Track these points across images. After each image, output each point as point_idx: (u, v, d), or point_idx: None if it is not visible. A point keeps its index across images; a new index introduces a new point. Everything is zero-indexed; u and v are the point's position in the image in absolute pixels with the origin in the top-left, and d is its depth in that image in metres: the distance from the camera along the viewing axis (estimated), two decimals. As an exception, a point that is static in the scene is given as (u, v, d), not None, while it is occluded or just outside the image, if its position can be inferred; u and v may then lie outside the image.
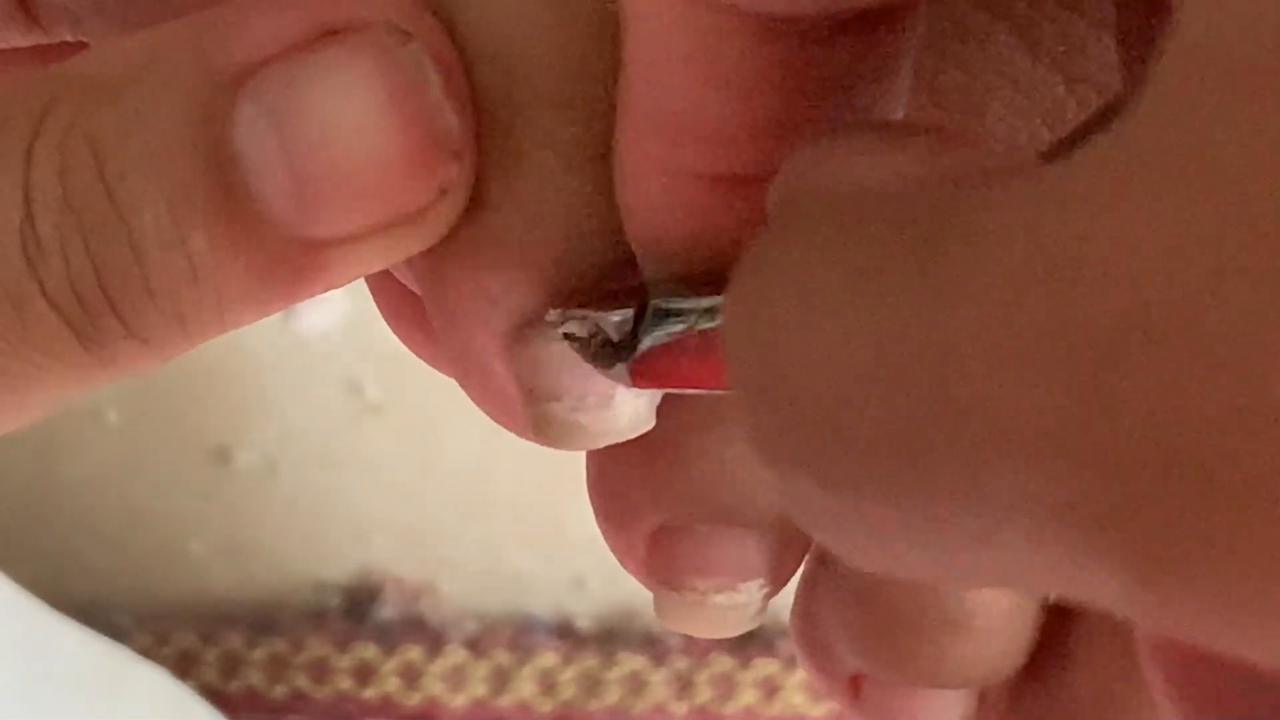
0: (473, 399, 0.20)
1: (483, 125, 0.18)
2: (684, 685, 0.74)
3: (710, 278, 0.17)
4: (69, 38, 0.22)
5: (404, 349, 0.23)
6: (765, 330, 0.13)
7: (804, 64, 0.16)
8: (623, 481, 0.20)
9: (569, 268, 0.18)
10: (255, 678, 0.74)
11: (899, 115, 0.17)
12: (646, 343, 0.17)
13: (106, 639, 0.59)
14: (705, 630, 0.20)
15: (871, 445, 0.12)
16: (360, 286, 0.21)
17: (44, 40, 0.22)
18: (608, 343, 0.18)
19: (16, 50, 0.22)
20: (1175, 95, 0.10)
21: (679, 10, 0.15)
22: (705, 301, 0.17)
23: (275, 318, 0.71)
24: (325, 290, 0.18)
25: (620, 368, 0.18)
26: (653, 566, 0.20)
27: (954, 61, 0.19)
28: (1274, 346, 0.09)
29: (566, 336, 0.18)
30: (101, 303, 0.17)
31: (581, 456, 0.21)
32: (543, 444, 0.19)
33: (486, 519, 0.75)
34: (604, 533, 0.21)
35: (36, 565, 0.69)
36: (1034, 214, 0.11)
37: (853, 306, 0.12)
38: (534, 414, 0.19)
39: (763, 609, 0.20)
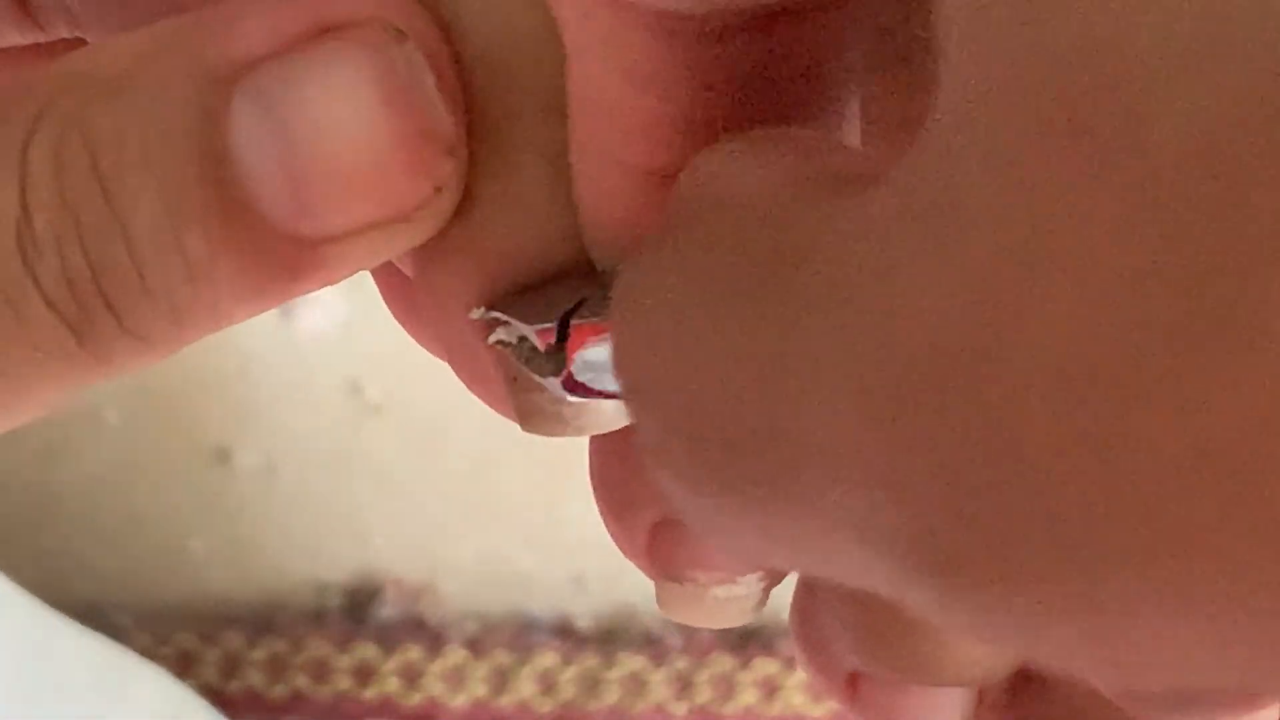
0: (466, 386, 0.20)
1: (472, 124, 0.18)
2: (684, 685, 0.74)
3: None
4: (67, 35, 0.22)
5: (404, 349, 0.23)
6: (641, 333, 0.14)
7: (712, 62, 0.16)
8: (623, 475, 0.20)
9: (549, 266, 0.18)
10: (255, 678, 0.74)
11: (845, 111, 0.17)
12: (575, 357, 0.18)
13: (107, 639, 0.59)
14: (705, 620, 0.21)
15: (719, 457, 0.12)
16: (360, 287, 0.21)
17: (42, 38, 0.22)
18: (535, 352, 0.18)
19: (16, 49, 0.22)
20: (937, 147, 0.10)
21: (590, 10, 0.15)
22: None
23: (274, 318, 0.71)
24: (323, 286, 0.18)
25: (552, 379, 0.18)
26: (653, 558, 0.20)
27: (894, 47, 0.19)
28: (1033, 403, 0.09)
29: (499, 341, 0.18)
30: (98, 301, 0.17)
31: (581, 457, 0.21)
32: (530, 432, 0.19)
33: (486, 519, 0.75)
34: (606, 524, 0.21)
35: (36, 565, 0.69)
36: (855, 249, 0.11)
37: (708, 318, 0.13)
38: (518, 403, 0.19)
39: (763, 600, 0.21)
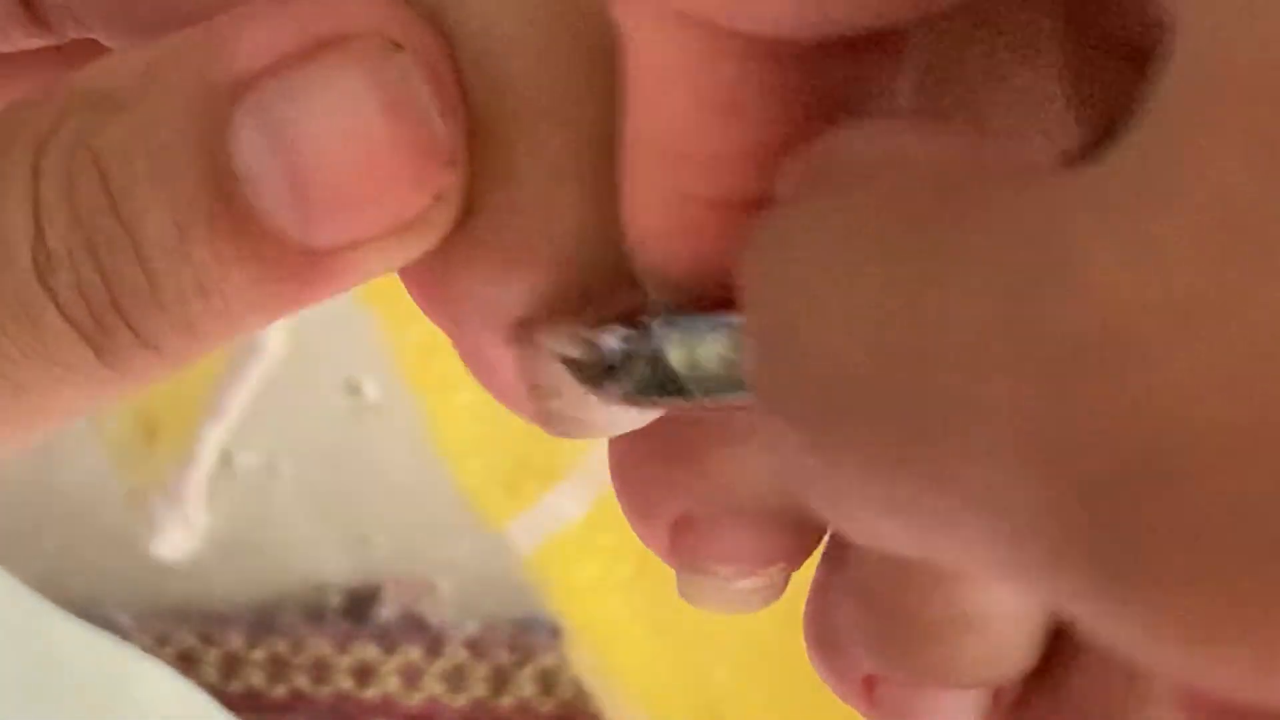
0: (487, 389, 0.20)
1: (478, 133, 0.18)
2: (684, 685, 0.74)
3: (714, 302, 0.17)
4: (75, 36, 0.22)
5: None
6: (780, 284, 0.13)
7: (796, 86, 0.16)
8: (644, 474, 0.20)
9: (560, 274, 0.18)
10: (255, 678, 0.74)
11: None
12: (641, 374, 0.18)
13: (111, 636, 0.59)
14: (730, 609, 0.21)
15: (858, 415, 0.12)
16: (360, 286, 0.21)
17: (51, 41, 0.22)
18: (601, 365, 0.18)
19: (25, 54, 0.22)
20: (1173, 117, 0.10)
21: (670, 31, 0.15)
22: (710, 333, 0.17)
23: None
24: (332, 295, 0.18)
25: (613, 390, 0.18)
26: (676, 553, 0.20)
27: (956, 78, 0.19)
28: (1243, 374, 0.09)
29: (563, 359, 0.18)
30: (113, 315, 0.18)
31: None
32: (552, 435, 0.19)
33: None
34: (629, 520, 0.21)
35: (37, 565, 0.69)
36: (1032, 219, 0.11)
37: (859, 275, 0.12)
38: (539, 409, 0.19)
39: (783, 587, 0.21)
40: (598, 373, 0.18)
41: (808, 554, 0.21)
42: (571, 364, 0.18)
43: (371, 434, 0.73)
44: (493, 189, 0.18)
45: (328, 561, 0.75)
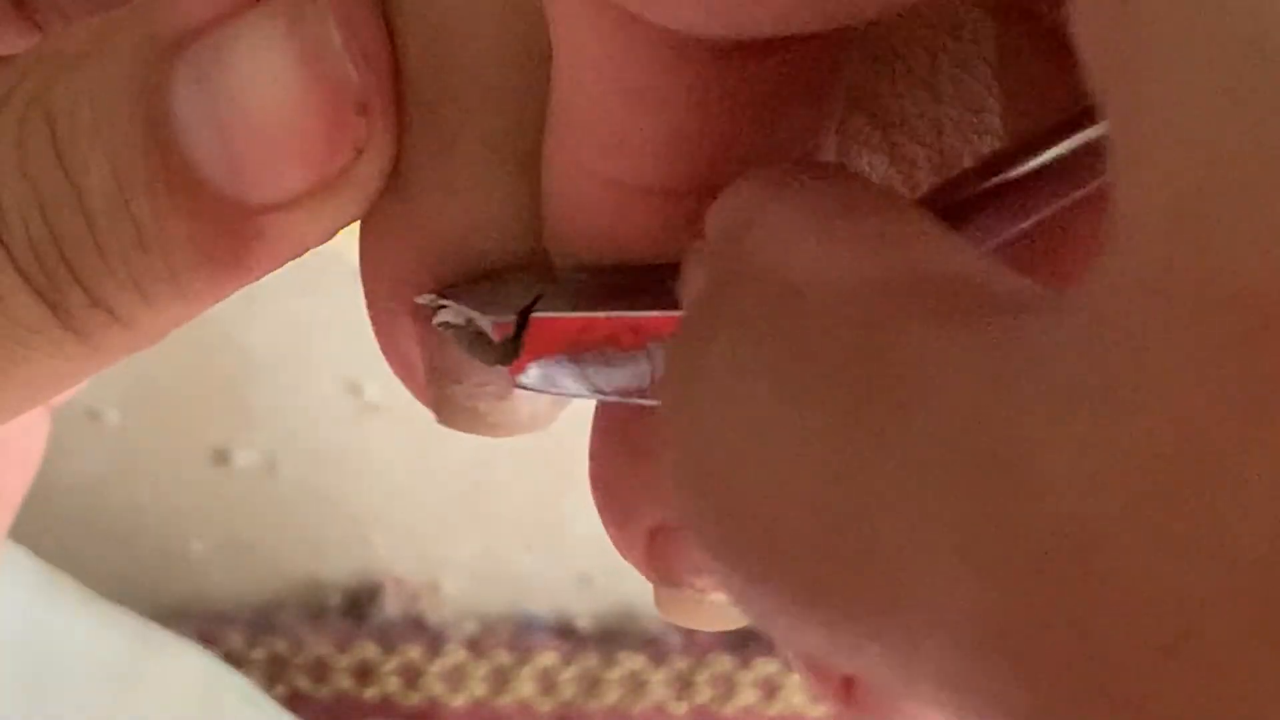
0: (392, 370, 0.20)
1: (417, 106, 0.18)
2: (684, 685, 0.74)
3: (619, 273, 0.17)
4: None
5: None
6: (697, 424, 0.13)
7: (718, 83, 0.16)
8: (620, 482, 0.20)
9: (481, 253, 0.19)
10: (255, 678, 0.74)
11: (831, 134, 0.17)
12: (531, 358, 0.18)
13: (135, 615, 0.59)
14: (705, 624, 0.21)
15: (794, 564, 0.12)
16: (360, 286, 0.21)
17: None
18: (483, 339, 0.18)
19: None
20: (1117, 316, 0.10)
21: (591, 17, 0.15)
22: (596, 314, 0.17)
23: (273, 317, 0.71)
24: (272, 266, 0.19)
25: (500, 369, 0.18)
26: (652, 564, 0.20)
27: (907, 83, 0.19)
28: (1187, 589, 0.09)
29: (443, 324, 0.18)
30: (63, 269, 0.18)
31: (582, 457, 0.21)
32: (443, 424, 0.19)
33: (486, 519, 0.75)
34: (606, 528, 0.21)
35: (36, 564, 0.69)
36: (977, 404, 0.10)
37: (785, 426, 0.12)
38: (436, 393, 0.19)
39: None
40: (483, 347, 0.18)
41: None
42: (455, 331, 0.18)
43: (371, 434, 0.73)
44: (425, 163, 0.18)
45: (328, 561, 0.75)
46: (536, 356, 0.17)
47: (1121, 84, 0.10)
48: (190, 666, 0.59)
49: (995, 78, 0.18)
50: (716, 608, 0.20)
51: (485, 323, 0.18)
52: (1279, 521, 0.09)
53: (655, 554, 0.20)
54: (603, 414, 0.20)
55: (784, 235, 0.14)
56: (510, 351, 0.18)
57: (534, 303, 0.18)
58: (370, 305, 0.20)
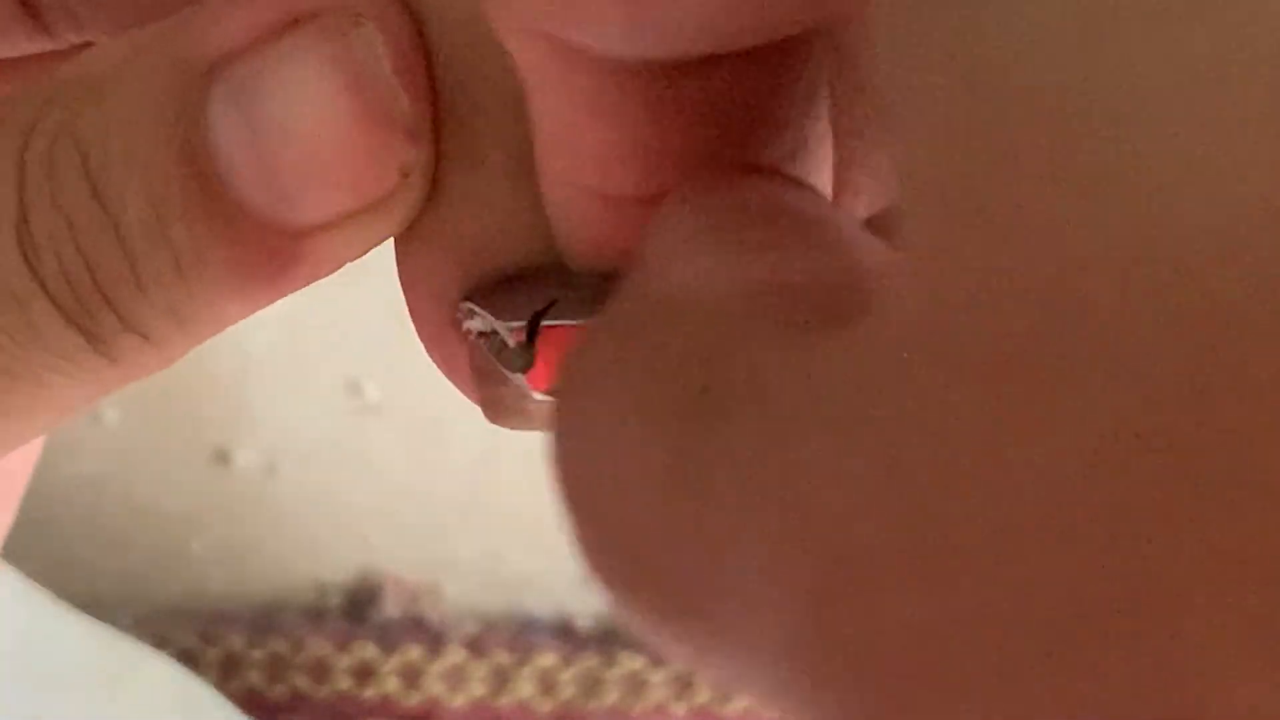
0: (443, 374, 0.20)
1: (447, 119, 0.18)
2: (684, 685, 0.74)
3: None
4: (75, 40, 0.22)
5: (404, 349, 0.23)
6: (570, 433, 0.13)
7: (670, 96, 0.16)
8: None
9: (515, 261, 0.19)
10: (255, 678, 0.74)
11: (816, 137, 0.17)
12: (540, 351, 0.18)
13: (114, 630, 0.59)
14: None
15: (647, 576, 0.12)
16: (360, 285, 0.21)
17: (51, 46, 0.22)
18: (505, 346, 0.18)
19: (26, 59, 0.22)
20: (886, 348, 0.10)
21: (534, 43, 0.15)
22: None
23: (273, 317, 0.71)
24: (310, 282, 0.19)
25: (519, 375, 0.18)
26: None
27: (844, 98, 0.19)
28: (933, 623, 0.09)
29: (474, 331, 0.18)
30: (97, 298, 0.18)
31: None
32: (495, 424, 0.19)
33: (487, 519, 0.75)
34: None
35: (37, 565, 0.69)
36: (784, 420, 0.11)
37: (635, 435, 0.12)
38: (484, 395, 0.19)
39: None
40: (505, 355, 0.18)
41: None
42: (485, 340, 0.18)
43: (371, 434, 0.73)
44: (456, 174, 0.18)
45: (328, 561, 0.75)
46: (553, 365, 0.18)
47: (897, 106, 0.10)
48: (165, 677, 0.59)
49: None
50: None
51: (505, 330, 0.18)
52: (1000, 556, 0.09)
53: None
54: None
55: (669, 247, 0.14)
56: (526, 358, 0.18)
57: (546, 309, 0.18)
58: (414, 315, 0.19)
